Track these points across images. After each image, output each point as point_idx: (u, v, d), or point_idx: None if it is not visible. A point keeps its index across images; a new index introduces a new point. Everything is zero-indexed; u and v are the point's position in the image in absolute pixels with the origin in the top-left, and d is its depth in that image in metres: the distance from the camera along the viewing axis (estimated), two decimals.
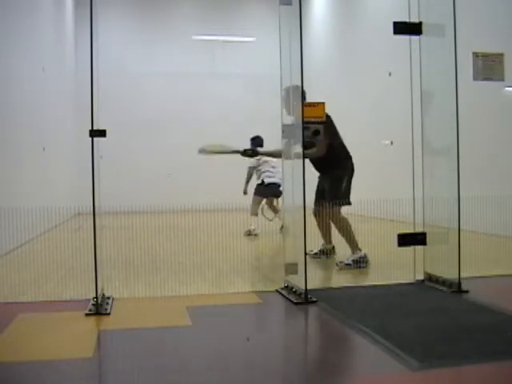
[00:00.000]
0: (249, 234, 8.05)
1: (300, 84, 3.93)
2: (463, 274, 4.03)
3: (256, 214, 8.48)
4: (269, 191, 8.48)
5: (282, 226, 8.04)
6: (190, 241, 5.70)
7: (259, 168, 8.77)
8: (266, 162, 8.66)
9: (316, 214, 5.53)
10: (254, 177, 8.92)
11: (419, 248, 4.29)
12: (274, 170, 8.47)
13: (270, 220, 8.37)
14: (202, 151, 6.17)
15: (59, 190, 9.89)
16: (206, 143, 6.41)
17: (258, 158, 8.47)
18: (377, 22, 10.10)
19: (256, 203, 8.60)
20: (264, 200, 8.71)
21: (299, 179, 3.99)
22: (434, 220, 4.23)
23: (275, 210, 8.64)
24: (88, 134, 3.62)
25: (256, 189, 8.68)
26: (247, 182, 8.94)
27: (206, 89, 13.50)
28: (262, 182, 8.59)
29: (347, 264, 5.07)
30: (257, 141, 8.59)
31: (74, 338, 3.11)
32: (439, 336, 3.01)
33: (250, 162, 8.57)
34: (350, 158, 5.61)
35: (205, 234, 6.62)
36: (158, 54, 13.29)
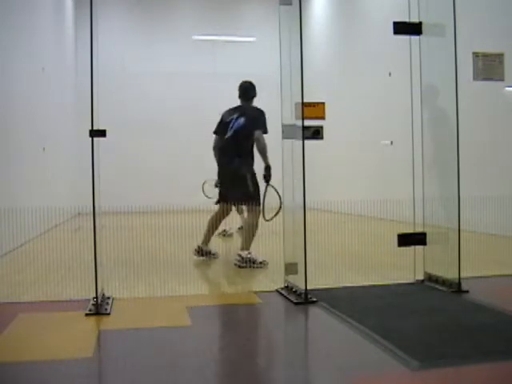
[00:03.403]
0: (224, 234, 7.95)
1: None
2: (463, 274, 4.03)
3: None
4: None
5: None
6: (190, 241, 5.71)
7: None
8: None
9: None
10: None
11: (419, 248, 4.29)
12: None
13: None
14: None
15: (59, 189, 9.89)
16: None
17: None
18: (377, 21, 10.10)
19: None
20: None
21: (299, 178, 3.99)
22: (434, 220, 4.23)
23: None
24: (88, 134, 3.62)
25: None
26: None
27: (206, 89, 13.48)
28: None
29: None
30: None
31: (74, 338, 3.12)
32: (439, 336, 3.01)
33: None
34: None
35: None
36: (158, 54, 13.29)
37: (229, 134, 5.61)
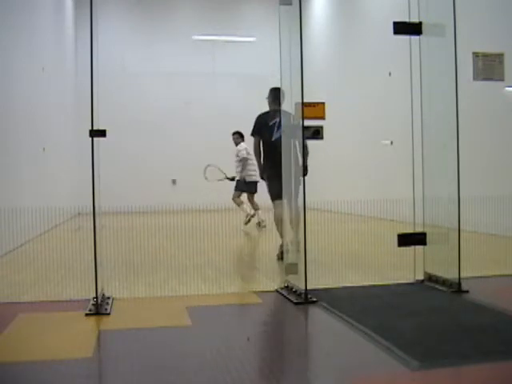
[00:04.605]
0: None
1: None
2: (463, 274, 4.03)
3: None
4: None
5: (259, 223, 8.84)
6: (189, 241, 5.71)
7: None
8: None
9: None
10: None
11: (419, 248, 4.29)
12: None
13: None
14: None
15: (59, 190, 9.89)
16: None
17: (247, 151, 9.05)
18: (377, 21, 10.11)
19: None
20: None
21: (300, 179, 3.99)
22: (434, 220, 4.23)
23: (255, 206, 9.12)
24: (88, 134, 3.62)
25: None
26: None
27: (206, 89, 13.50)
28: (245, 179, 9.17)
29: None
30: None
31: (74, 338, 3.11)
32: (439, 336, 3.01)
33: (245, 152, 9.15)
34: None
35: (205, 233, 6.63)
36: (158, 54, 13.30)
37: (275, 136, 5.84)
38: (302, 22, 3.90)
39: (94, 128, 3.63)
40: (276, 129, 5.91)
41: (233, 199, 9.30)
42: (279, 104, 5.77)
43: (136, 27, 13.70)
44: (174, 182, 13.31)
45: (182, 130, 13.37)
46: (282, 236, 5.43)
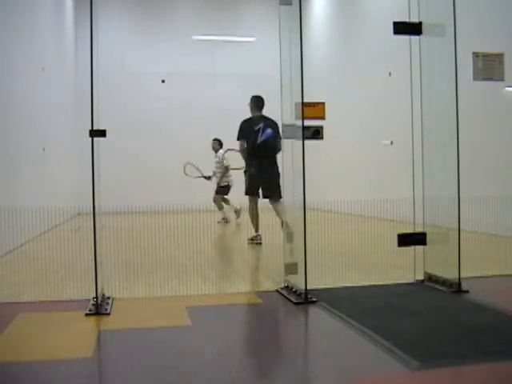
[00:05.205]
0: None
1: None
2: (463, 274, 4.03)
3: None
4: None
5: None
6: (189, 241, 5.70)
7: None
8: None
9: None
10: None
11: (419, 248, 4.29)
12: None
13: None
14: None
15: (59, 190, 9.89)
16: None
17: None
18: (377, 21, 10.10)
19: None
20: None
21: (299, 179, 3.99)
22: (434, 220, 4.23)
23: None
24: (88, 134, 3.62)
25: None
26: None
27: (206, 89, 13.49)
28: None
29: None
30: None
31: (74, 338, 3.11)
32: (439, 336, 3.01)
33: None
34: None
35: (205, 233, 6.63)
36: (158, 54, 13.29)
37: (260, 140, 6.64)
38: (302, 22, 3.90)
39: (94, 128, 3.63)
40: (261, 133, 6.60)
41: (214, 201, 10.22)
42: (261, 110, 6.75)
43: (136, 27, 13.69)
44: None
45: (182, 130, 13.36)
46: (255, 226, 6.80)
